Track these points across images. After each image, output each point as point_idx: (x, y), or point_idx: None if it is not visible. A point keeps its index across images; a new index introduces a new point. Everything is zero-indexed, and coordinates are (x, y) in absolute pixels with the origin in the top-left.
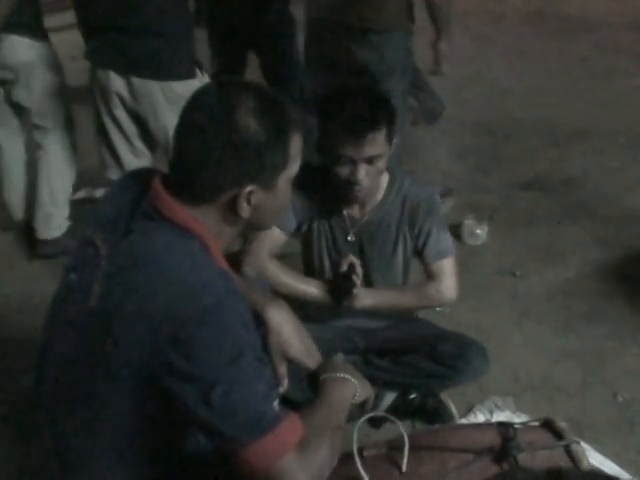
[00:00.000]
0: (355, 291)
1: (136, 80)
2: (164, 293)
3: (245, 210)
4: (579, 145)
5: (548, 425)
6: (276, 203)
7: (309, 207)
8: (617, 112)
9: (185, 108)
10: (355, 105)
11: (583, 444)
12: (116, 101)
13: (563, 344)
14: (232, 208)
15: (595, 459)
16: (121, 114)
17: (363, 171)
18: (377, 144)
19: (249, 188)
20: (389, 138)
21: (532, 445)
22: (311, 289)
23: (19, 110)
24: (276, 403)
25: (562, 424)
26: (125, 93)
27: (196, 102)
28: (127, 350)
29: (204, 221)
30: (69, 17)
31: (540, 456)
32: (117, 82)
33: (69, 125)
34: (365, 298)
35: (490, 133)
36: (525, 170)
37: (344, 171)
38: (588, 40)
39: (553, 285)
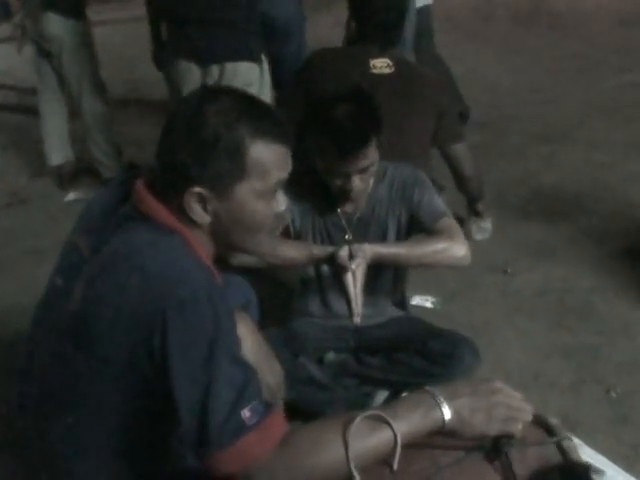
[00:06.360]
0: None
1: (214, 68)
2: (140, 289)
3: (199, 214)
4: (570, 141)
5: (539, 421)
6: (240, 217)
7: (303, 207)
8: (608, 108)
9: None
10: (342, 121)
11: (575, 439)
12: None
13: (555, 340)
14: (185, 210)
15: (587, 454)
16: None
17: (357, 180)
18: (369, 155)
19: (196, 189)
20: (379, 143)
21: (523, 441)
22: (312, 250)
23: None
24: (256, 403)
25: (553, 420)
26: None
27: (183, 101)
28: (108, 352)
29: (180, 220)
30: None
31: (531, 452)
32: (196, 73)
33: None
34: (374, 248)
35: (481, 130)
36: (516, 167)
37: (338, 182)
38: (579, 37)
39: (544, 282)
